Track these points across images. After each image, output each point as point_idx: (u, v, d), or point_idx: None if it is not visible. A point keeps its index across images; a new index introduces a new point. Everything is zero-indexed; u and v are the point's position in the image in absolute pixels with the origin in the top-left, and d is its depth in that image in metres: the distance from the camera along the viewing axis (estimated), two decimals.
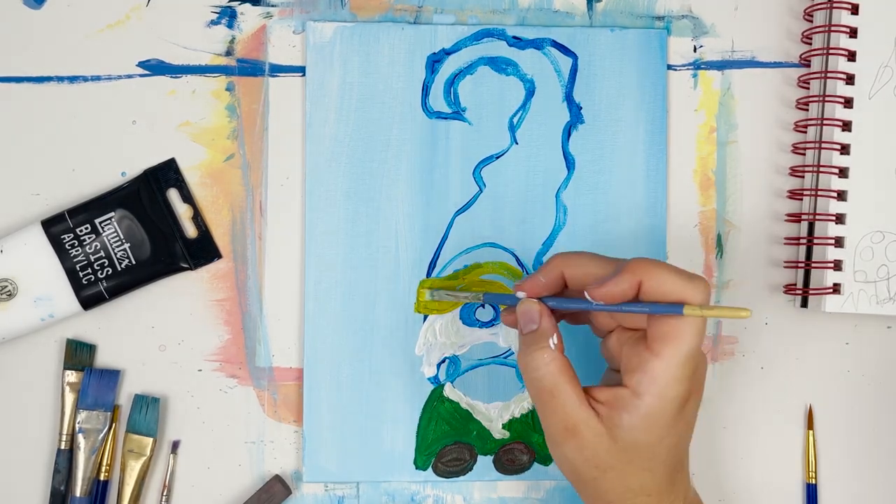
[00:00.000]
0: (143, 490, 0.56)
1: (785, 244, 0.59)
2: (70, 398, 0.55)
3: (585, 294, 0.46)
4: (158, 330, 0.56)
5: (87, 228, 0.55)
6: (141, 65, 0.57)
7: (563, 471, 0.48)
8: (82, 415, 0.55)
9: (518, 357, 0.47)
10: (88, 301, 0.55)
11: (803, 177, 0.59)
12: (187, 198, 0.56)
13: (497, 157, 0.57)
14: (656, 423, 0.45)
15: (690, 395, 0.46)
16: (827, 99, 0.57)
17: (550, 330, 0.47)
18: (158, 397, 0.56)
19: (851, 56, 0.57)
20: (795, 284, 0.58)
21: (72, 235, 0.55)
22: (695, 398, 0.46)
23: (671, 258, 0.58)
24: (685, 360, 0.44)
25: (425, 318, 0.57)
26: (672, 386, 0.44)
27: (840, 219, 0.57)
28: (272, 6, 0.57)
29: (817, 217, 0.57)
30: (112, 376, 0.55)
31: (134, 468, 0.55)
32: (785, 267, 0.59)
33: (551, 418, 0.46)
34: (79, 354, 0.55)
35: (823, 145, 0.57)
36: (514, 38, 0.57)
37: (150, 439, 0.55)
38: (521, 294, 0.48)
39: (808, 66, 0.59)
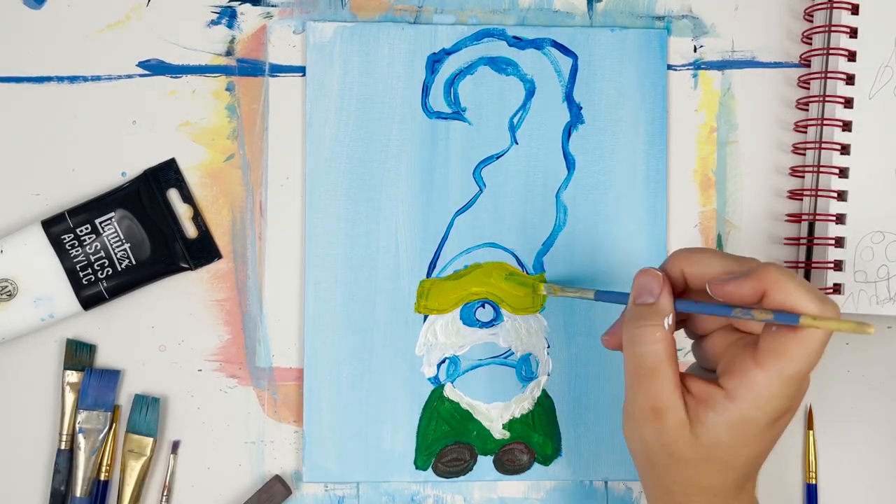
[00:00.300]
0: (144, 490, 0.56)
1: (785, 244, 0.59)
2: (70, 398, 0.55)
3: (707, 287, 0.43)
4: (158, 330, 0.56)
5: (87, 228, 0.55)
6: (141, 65, 0.57)
7: (635, 452, 0.46)
8: (82, 415, 0.55)
9: (624, 326, 0.45)
10: (88, 301, 0.55)
11: (803, 177, 0.59)
12: (187, 198, 0.56)
13: (497, 157, 0.57)
14: (743, 431, 0.43)
15: (787, 411, 0.44)
16: (827, 99, 0.57)
17: (668, 308, 0.44)
18: (158, 397, 0.56)
19: (851, 56, 0.57)
20: None
21: (72, 235, 0.55)
22: (790, 414, 0.44)
23: None
24: (790, 380, 0.42)
25: (425, 318, 0.57)
26: (770, 401, 0.42)
27: (840, 219, 0.57)
28: (272, 6, 0.57)
29: (817, 217, 0.57)
30: (112, 376, 0.55)
31: (134, 468, 0.55)
32: (785, 267, 0.59)
33: (640, 395, 0.44)
34: (79, 354, 0.55)
35: (823, 145, 0.57)
36: (514, 38, 0.57)
37: (151, 439, 0.55)
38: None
39: (809, 66, 0.59)
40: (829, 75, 0.57)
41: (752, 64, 0.59)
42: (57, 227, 0.55)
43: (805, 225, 0.58)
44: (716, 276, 0.44)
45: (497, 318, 0.57)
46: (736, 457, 0.44)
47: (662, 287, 0.45)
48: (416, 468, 0.57)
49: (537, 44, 0.57)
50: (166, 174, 0.56)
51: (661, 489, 0.46)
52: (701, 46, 0.59)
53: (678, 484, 0.45)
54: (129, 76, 0.57)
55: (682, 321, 0.48)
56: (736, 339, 0.45)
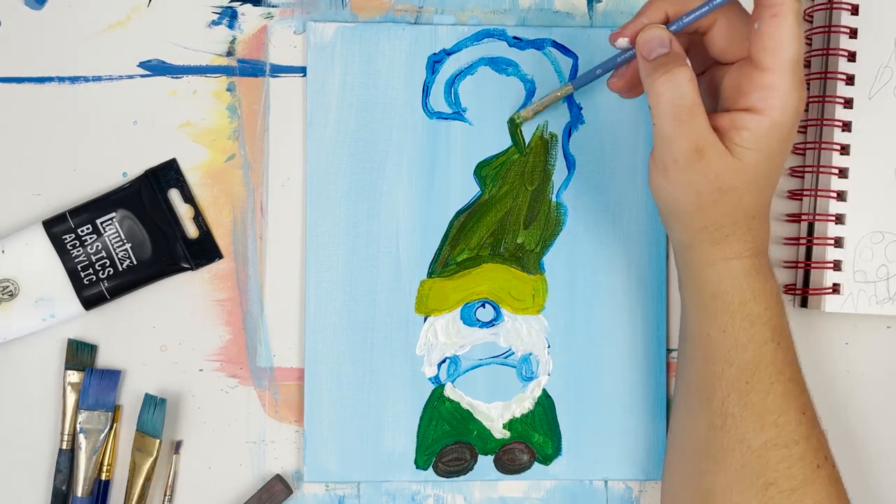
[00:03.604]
0: (148, 490, 0.56)
1: (785, 244, 0.59)
2: (71, 398, 0.55)
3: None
4: (159, 330, 0.56)
5: (88, 228, 0.55)
6: (142, 65, 0.57)
7: (677, 200, 0.48)
8: (83, 415, 0.55)
9: (648, 80, 0.47)
10: (90, 301, 0.55)
11: (803, 177, 0.59)
12: (188, 198, 0.56)
13: (497, 157, 0.57)
14: (776, 137, 0.46)
15: (799, 108, 0.46)
16: (827, 99, 0.57)
17: (683, 52, 0.47)
18: (165, 398, 0.55)
19: (851, 56, 0.57)
20: (795, 284, 0.59)
21: (73, 236, 0.55)
22: (799, 114, 0.47)
23: (671, 258, 0.58)
24: (794, 66, 0.45)
25: (426, 318, 0.57)
26: (791, 94, 0.45)
27: (840, 219, 0.57)
28: (273, 6, 0.57)
29: (817, 217, 0.57)
30: (113, 376, 0.55)
31: (142, 468, 0.55)
32: (785, 267, 0.59)
33: (683, 139, 0.46)
34: (80, 355, 0.56)
35: (823, 146, 0.57)
36: (515, 38, 0.57)
37: (157, 440, 0.55)
38: (622, 41, 0.49)
39: (809, 66, 0.59)
40: (829, 76, 0.57)
41: None
42: (58, 228, 0.55)
43: (805, 225, 0.58)
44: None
45: (497, 318, 0.57)
46: (771, 171, 0.47)
47: (671, 37, 0.47)
48: (417, 468, 0.57)
49: (537, 44, 0.58)
50: (167, 174, 0.56)
51: (710, 225, 0.48)
52: None
53: (726, 215, 0.48)
54: (130, 76, 0.57)
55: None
56: (736, 68, 0.48)
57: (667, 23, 0.48)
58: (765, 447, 0.48)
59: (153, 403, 0.55)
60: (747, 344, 0.49)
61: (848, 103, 0.57)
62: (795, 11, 0.44)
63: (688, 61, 0.46)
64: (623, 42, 0.49)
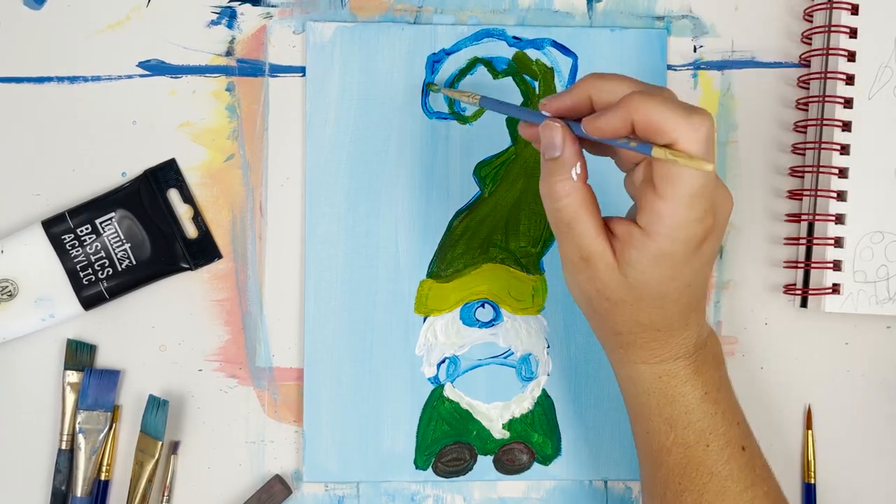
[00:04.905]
0: (150, 491, 0.56)
1: (785, 244, 0.59)
2: (70, 398, 0.55)
3: (581, 126, 0.43)
4: (159, 330, 0.56)
5: (87, 229, 0.55)
6: (141, 65, 0.57)
7: (578, 301, 0.47)
8: (82, 415, 0.55)
9: (540, 185, 0.44)
10: (89, 301, 0.55)
11: (803, 177, 0.59)
12: (188, 198, 0.56)
13: (497, 157, 0.57)
14: (666, 264, 0.43)
15: (706, 235, 0.43)
16: (827, 99, 0.57)
17: (573, 159, 0.43)
18: (168, 400, 0.55)
19: (851, 56, 0.57)
20: (795, 284, 0.58)
21: (72, 236, 0.55)
22: (712, 238, 0.43)
23: None
24: (691, 202, 0.41)
25: (425, 318, 0.57)
26: (681, 229, 0.42)
27: (840, 219, 0.57)
28: (272, 6, 0.57)
29: (817, 217, 0.57)
30: (112, 376, 0.55)
31: (146, 468, 0.55)
32: (785, 267, 0.59)
33: (568, 248, 0.44)
34: (79, 355, 0.56)
35: (823, 146, 0.57)
36: (514, 38, 0.57)
37: (159, 442, 0.55)
38: (546, 112, 0.45)
39: (808, 66, 0.59)
40: (828, 75, 0.57)
41: (751, 64, 0.59)
42: (57, 228, 0.55)
43: (805, 225, 0.58)
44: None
45: (497, 318, 0.57)
46: (668, 291, 0.44)
47: (564, 138, 0.44)
48: (416, 468, 0.57)
49: (537, 44, 0.57)
50: (166, 174, 0.56)
51: (608, 331, 0.47)
52: (701, 46, 0.59)
53: (621, 325, 0.46)
54: (130, 76, 0.57)
55: (608, 154, 0.47)
56: (649, 172, 0.43)
57: (591, 107, 0.44)
58: None
59: (156, 405, 0.55)
60: (671, 447, 0.48)
61: (848, 103, 0.57)
62: (701, 143, 0.40)
63: (576, 170, 0.43)
64: (547, 113, 0.45)
